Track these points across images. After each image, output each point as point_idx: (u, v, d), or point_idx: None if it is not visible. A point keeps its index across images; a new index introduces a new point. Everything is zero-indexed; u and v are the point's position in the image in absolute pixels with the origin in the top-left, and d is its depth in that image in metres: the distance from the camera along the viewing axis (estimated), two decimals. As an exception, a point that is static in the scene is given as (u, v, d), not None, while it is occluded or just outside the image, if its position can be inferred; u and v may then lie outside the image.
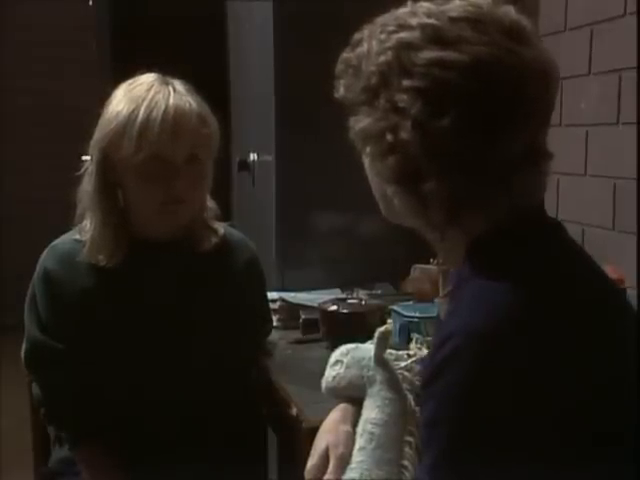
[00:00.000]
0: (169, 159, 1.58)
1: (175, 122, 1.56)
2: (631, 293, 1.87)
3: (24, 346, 1.71)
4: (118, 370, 1.66)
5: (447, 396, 0.92)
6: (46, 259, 1.69)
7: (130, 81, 1.64)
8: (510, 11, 1.02)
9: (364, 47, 1.03)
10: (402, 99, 0.97)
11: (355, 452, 1.23)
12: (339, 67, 1.08)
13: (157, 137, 1.55)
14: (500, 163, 0.98)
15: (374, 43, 1.02)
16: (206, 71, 3.52)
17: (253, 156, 2.79)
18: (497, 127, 0.96)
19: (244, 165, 2.85)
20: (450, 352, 0.92)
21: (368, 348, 1.34)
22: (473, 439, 0.90)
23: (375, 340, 1.30)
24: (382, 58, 0.99)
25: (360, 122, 1.03)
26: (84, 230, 1.67)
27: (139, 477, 1.62)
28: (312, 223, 2.52)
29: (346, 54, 1.07)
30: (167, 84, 1.62)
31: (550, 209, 2.36)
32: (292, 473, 1.67)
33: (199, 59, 4.29)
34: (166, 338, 1.68)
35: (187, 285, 1.72)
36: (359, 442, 1.23)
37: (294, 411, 1.61)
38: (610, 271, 1.69)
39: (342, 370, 1.33)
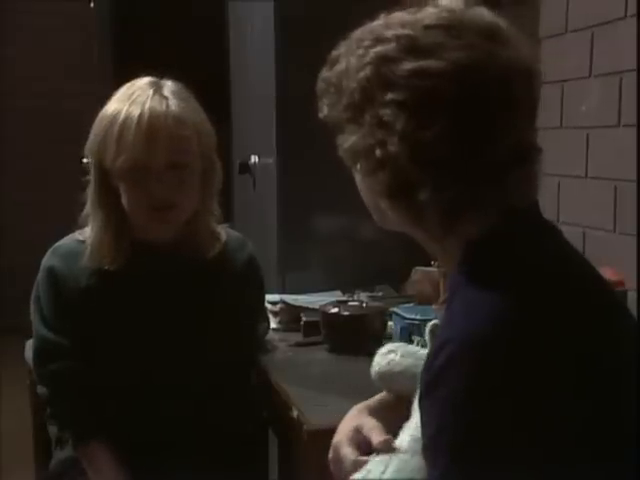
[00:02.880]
0: (147, 164, 1.58)
1: (148, 129, 1.55)
2: (631, 295, 1.88)
3: (33, 345, 1.71)
4: (119, 369, 1.66)
5: (449, 403, 0.92)
6: (50, 258, 1.70)
7: (127, 84, 1.65)
8: (484, 13, 1.02)
9: (342, 64, 1.03)
10: (387, 113, 0.97)
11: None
12: (320, 86, 1.08)
13: (132, 145, 1.55)
14: (491, 165, 0.97)
15: (352, 59, 1.01)
16: (207, 73, 3.52)
17: (254, 159, 2.79)
18: (484, 129, 0.96)
19: (245, 168, 2.85)
20: (446, 359, 0.92)
21: (416, 348, 1.34)
22: (480, 443, 0.90)
23: (428, 335, 1.29)
24: (362, 74, 0.99)
25: (347, 140, 1.03)
26: (87, 232, 1.68)
27: (140, 477, 1.62)
28: (313, 225, 2.52)
29: (325, 73, 1.07)
30: (152, 87, 1.61)
31: (551, 211, 2.36)
32: (293, 475, 1.68)
33: (200, 60, 4.30)
34: (166, 339, 1.68)
35: (187, 286, 1.72)
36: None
37: (295, 413, 1.61)
38: (611, 273, 1.69)
39: (397, 357, 1.32)
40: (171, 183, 1.60)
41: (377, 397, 1.33)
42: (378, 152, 0.98)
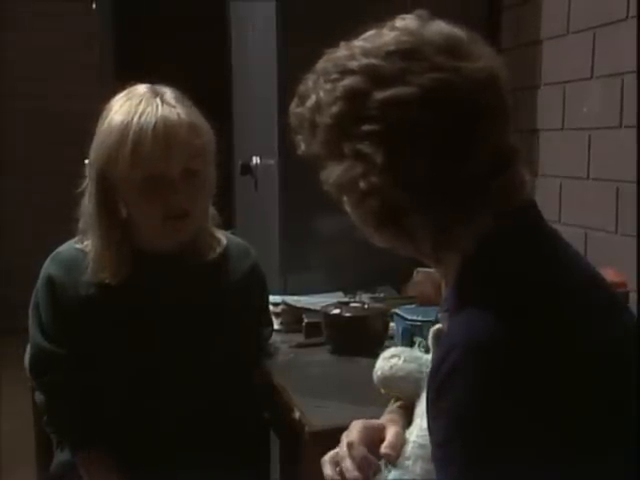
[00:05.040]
0: (165, 175, 1.57)
1: (166, 137, 1.54)
2: (633, 296, 1.88)
3: (29, 353, 1.70)
4: (120, 377, 1.66)
5: (455, 412, 0.92)
6: (49, 266, 1.69)
7: (122, 94, 1.63)
8: (442, 27, 1.02)
9: (312, 99, 1.04)
10: (365, 146, 0.98)
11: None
12: (293, 123, 1.09)
13: (149, 155, 1.54)
14: (474, 177, 0.98)
15: (322, 94, 1.02)
16: (209, 73, 3.52)
17: (256, 160, 2.79)
18: (463, 144, 0.97)
19: (247, 169, 2.85)
20: (451, 367, 0.92)
21: (420, 353, 1.35)
22: (489, 449, 0.90)
23: (431, 340, 1.29)
24: (334, 109, 1.00)
25: (330, 175, 1.04)
26: (87, 245, 1.66)
27: (142, 480, 1.62)
28: (315, 226, 2.51)
29: (297, 109, 1.07)
30: (156, 96, 1.59)
31: (553, 212, 2.35)
32: (294, 476, 1.67)
33: (202, 61, 4.29)
34: (168, 345, 1.68)
35: (189, 293, 1.71)
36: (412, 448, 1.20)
37: (296, 414, 1.61)
38: (612, 274, 1.69)
39: (400, 362, 1.32)
40: (185, 191, 1.59)
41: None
42: (362, 184, 0.99)
